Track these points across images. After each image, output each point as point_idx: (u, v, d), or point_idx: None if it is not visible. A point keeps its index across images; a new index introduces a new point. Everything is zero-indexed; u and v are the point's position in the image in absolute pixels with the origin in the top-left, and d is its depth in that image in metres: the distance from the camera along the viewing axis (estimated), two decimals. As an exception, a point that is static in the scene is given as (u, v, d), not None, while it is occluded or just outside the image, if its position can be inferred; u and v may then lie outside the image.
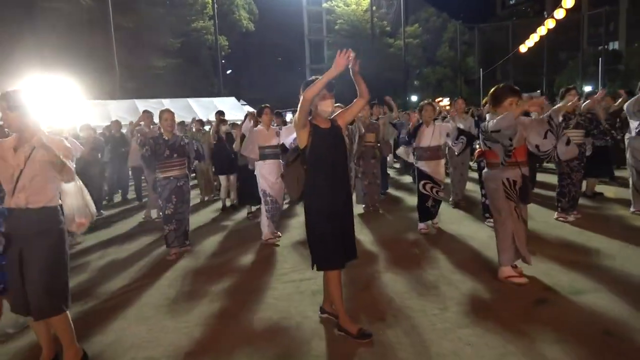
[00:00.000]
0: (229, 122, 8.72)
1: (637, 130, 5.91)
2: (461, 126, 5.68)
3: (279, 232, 5.95)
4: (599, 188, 7.43)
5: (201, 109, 17.54)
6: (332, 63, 2.89)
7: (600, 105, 6.63)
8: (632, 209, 6.09)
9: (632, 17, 45.19)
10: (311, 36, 41.80)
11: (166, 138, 5.32)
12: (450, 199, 7.24)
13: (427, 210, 5.76)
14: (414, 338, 3.09)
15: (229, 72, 32.94)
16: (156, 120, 6.02)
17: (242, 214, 7.57)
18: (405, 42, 31.50)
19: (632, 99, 5.96)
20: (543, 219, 5.97)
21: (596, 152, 6.63)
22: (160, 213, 6.04)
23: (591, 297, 3.55)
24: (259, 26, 33.88)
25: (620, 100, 7.07)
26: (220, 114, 8.50)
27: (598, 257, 4.50)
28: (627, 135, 6.19)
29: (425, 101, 5.98)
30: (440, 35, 41.26)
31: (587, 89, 30.58)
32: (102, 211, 8.05)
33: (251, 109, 18.30)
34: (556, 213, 6.02)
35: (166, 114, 5.37)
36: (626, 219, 5.85)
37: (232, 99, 20.13)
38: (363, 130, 6.68)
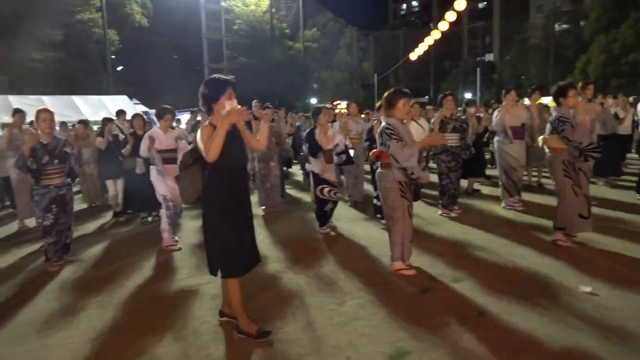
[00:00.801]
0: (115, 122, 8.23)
1: (504, 135, 6.67)
2: (349, 143, 5.98)
3: (176, 237, 5.75)
4: (477, 186, 8.24)
5: (88, 107, 16.27)
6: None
7: (473, 119, 7.40)
8: (502, 204, 6.86)
9: (504, 32, 50.41)
10: (209, 35, 40.79)
11: (44, 142, 4.79)
12: (347, 198, 7.56)
13: (325, 214, 5.83)
14: (311, 333, 3.20)
15: (119, 68, 30.85)
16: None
17: (136, 219, 7.17)
18: (305, 46, 32.10)
19: (495, 117, 6.79)
20: (429, 215, 6.49)
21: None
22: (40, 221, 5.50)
23: (468, 284, 3.95)
24: (153, 22, 32.23)
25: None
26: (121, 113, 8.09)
27: (474, 248, 4.99)
28: (495, 139, 6.96)
29: (321, 105, 6.11)
30: (338, 41, 42.73)
31: (468, 95, 33.62)
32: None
33: (144, 108, 17.40)
34: (439, 209, 6.57)
35: (44, 113, 4.79)
36: (498, 213, 6.56)
37: (124, 98, 18.93)
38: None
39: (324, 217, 5.85)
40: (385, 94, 4.27)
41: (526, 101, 8.71)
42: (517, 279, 4.06)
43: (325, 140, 5.71)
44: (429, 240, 5.27)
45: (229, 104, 2.96)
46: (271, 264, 4.73)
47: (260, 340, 3.08)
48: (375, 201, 6.14)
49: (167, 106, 5.66)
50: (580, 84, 6.60)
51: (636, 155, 8.92)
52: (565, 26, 38.70)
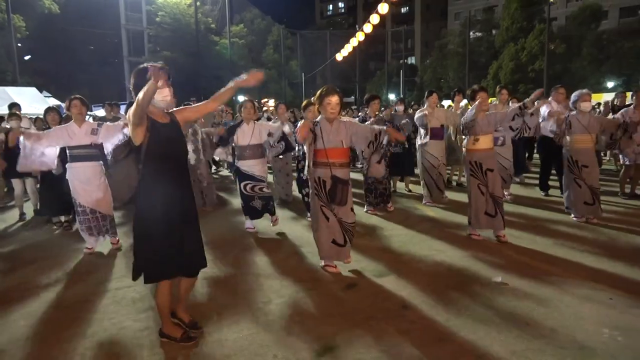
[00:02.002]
0: (29, 117, 7.61)
1: (426, 136, 7.01)
2: (287, 129, 5.73)
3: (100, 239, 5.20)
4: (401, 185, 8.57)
5: (-10, 99, 14.80)
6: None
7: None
8: (423, 202, 7.20)
9: (425, 37, 52.86)
10: (129, 26, 38.71)
11: None
12: (277, 198, 7.54)
13: (253, 209, 5.65)
14: (237, 333, 3.15)
15: (27, 57, 28.34)
16: None
17: (48, 223, 6.61)
18: (231, 41, 31.46)
19: (418, 112, 7.14)
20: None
21: (397, 155, 7.60)
22: None
23: (392, 279, 4.10)
24: (66, 9, 30.00)
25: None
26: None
27: (397, 243, 5.19)
28: (418, 140, 7.29)
29: (246, 99, 5.93)
30: (266, 38, 42.38)
31: (392, 96, 34.89)
32: None
33: (57, 102, 16.16)
34: (365, 207, 6.75)
35: None
36: (420, 211, 6.86)
37: (33, 90, 17.44)
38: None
39: (251, 211, 5.68)
40: (318, 91, 4.22)
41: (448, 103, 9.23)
42: (437, 271, 4.28)
43: (242, 136, 5.55)
44: (355, 237, 5.37)
45: (159, 93, 2.76)
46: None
47: (185, 344, 2.98)
48: (305, 198, 6.18)
49: (77, 95, 4.97)
50: (497, 89, 7.07)
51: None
52: (479, 34, 41.35)
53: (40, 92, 18.28)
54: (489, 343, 2.95)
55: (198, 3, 32.98)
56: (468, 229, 5.32)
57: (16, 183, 6.92)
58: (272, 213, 5.76)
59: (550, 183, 7.62)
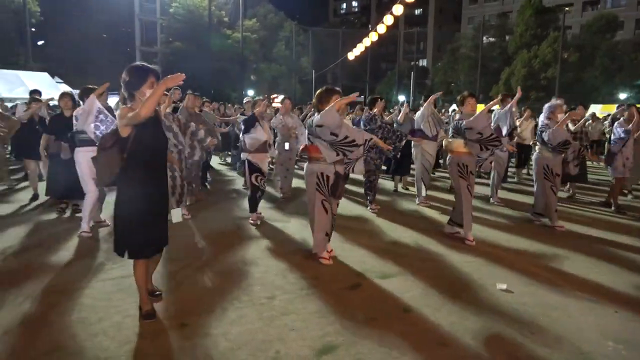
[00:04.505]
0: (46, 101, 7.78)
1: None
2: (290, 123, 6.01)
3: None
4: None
5: (3, 82, 14.94)
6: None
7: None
8: (417, 202, 7.32)
9: (437, 40, 52.62)
10: (143, 16, 38.86)
11: None
12: (280, 191, 7.64)
13: (256, 201, 5.96)
14: (241, 327, 3.16)
15: (40, 43, 28.49)
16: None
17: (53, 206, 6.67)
18: (243, 36, 31.48)
19: (419, 112, 7.26)
20: (358, 213, 6.66)
21: (401, 155, 7.65)
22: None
23: (395, 280, 4.10)
24: (80, -4, 30.21)
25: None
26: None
27: (401, 245, 5.19)
28: (414, 141, 7.32)
29: (259, 97, 6.24)
30: (277, 33, 42.37)
31: (401, 98, 34.81)
32: None
33: (68, 88, 16.24)
34: (368, 206, 6.78)
35: None
36: (424, 213, 6.85)
37: (45, 75, 17.58)
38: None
39: (255, 203, 5.97)
40: (318, 91, 4.45)
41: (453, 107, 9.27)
42: (440, 275, 4.26)
43: (260, 131, 5.80)
44: (357, 237, 5.39)
45: (149, 92, 2.91)
46: (200, 257, 4.62)
47: (146, 321, 3.19)
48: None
49: (91, 86, 5.22)
50: (500, 96, 7.14)
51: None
52: (492, 39, 41.16)
53: (52, 77, 18.40)
54: (491, 350, 2.94)
55: (212, -5, 33.06)
56: (451, 227, 5.46)
57: (29, 163, 7.00)
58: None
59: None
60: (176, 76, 2.82)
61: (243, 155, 6.00)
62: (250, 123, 5.83)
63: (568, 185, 8.37)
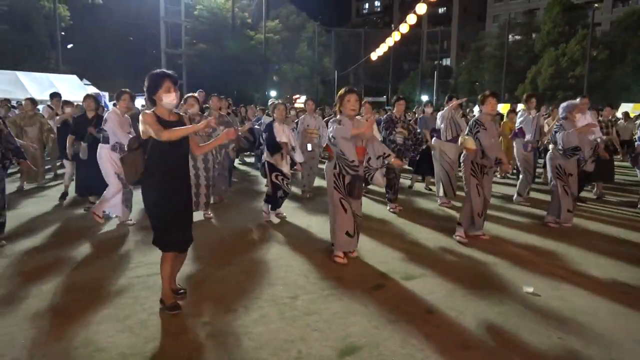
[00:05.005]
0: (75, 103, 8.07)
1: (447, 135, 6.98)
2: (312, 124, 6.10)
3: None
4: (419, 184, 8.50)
5: (34, 85, 15.37)
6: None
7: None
8: (438, 202, 7.24)
9: (461, 39, 51.92)
10: (168, 18, 39.47)
11: None
12: (303, 190, 7.74)
13: (277, 199, 5.98)
14: (263, 326, 3.18)
15: (70, 46, 29.24)
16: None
17: (84, 203, 6.83)
18: (266, 37, 31.68)
19: (440, 112, 7.14)
20: (379, 213, 6.63)
21: (426, 154, 7.65)
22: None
23: (418, 282, 4.05)
24: (108, 1, 30.85)
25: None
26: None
27: (424, 246, 5.14)
28: (433, 140, 7.19)
29: (277, 101, 6.32)
30: (300, 34, 42.46)
31: (425, 98, 34.47)
32: None
33: (95, 90, 16.62)
34: (388, 206, 6.78)
35: None
36: (446, 213, 6.76)
37: (74, 77, 18.03)
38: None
39: (276, 201, 6.01)
40: (339, 92, 4.52)
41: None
42: (464, 277, 4.19)
43: (279, 134, 5.87)
44: (380, 237, 5.36)
45: (165, 96, 3.17)
46: (223, 256, 4.67)
47: (170, 312, 3.31)
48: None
49: (125, 89, 5.68)
50: (524, 96, 6.97)
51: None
52: (518, 37, 40.38)
53: (81, 79, 18.87)
54: (517, 355, 2.88)
55: (235, -3, 33.40)
56: (466, 231, 5.32)
57: (67, 164, 7.26)
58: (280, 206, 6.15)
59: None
60: (232, 132, 3.40)
61: (263, 157, 6.13)
62: (269, 127, 5.94)
63: (596, 188, 8.14)
